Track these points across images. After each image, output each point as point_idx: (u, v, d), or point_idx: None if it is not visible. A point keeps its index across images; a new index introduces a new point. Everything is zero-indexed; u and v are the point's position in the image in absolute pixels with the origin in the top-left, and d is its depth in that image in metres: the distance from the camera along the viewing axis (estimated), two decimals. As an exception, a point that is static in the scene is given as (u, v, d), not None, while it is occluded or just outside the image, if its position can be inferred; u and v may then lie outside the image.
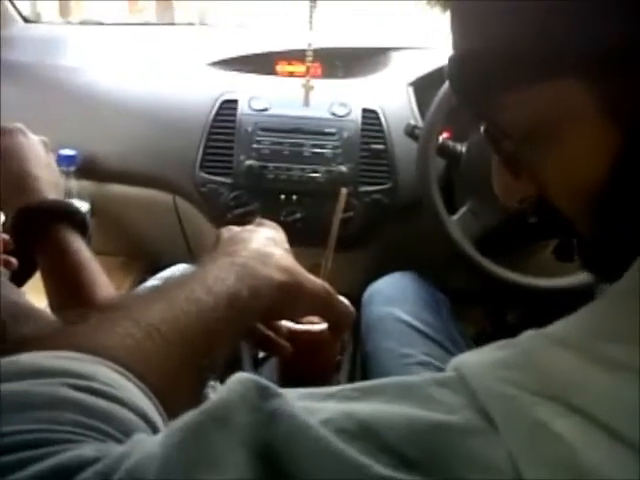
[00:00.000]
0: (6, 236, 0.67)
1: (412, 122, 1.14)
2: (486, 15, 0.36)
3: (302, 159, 1.22)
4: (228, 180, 1.22)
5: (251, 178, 1.21)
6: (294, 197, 1.22)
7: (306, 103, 1.27)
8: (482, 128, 0.43)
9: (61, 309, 0.63)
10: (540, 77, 0.34)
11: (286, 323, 0.62)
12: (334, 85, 1.33)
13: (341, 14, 1.64)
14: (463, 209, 1.10)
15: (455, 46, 0.40)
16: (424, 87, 1.26)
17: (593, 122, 0.33)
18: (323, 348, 0.66)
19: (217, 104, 1.26)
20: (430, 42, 1.39)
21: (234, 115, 1.25)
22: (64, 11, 1.77)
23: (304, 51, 1.23)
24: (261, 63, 1.37)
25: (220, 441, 0.26)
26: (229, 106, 1.26)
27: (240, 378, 0.30)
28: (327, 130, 1.24)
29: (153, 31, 1.58)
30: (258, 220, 0.61)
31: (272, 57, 1.38)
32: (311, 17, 1.21)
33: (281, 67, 1.39)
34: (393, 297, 1.08)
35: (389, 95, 1.30)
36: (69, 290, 0.65)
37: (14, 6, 1.46)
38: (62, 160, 1.13)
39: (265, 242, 0.55)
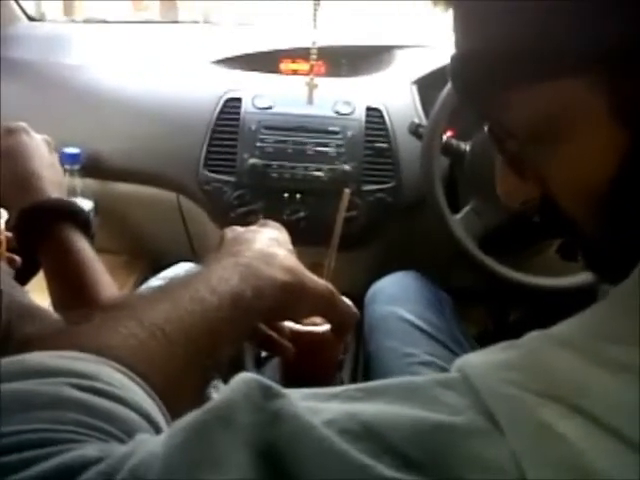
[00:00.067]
0: (9, 234, 0.68)
1: (416, 121, 1.14)
2: (487, 15, 0.36)
3: (306, 157, 1.22)
4: (232, 178, 1.22)
5: (254, 176, 1.21)
6: (297, 196, 1.22)
7: (310, 101, 1.27)
8: (486, 127, 0.43)
9: (64, 308, 0.64)
10: (541, 77, 0.34)
11: (289, 324, 0.62)
12: (338, 83, 1.33)
13: (341, 14, 1.63)
14: (467, 208, 1.09)
15: (457, 45, 0.40)
16: (428, 85, 1.26)
17: (599, 122, 0.33)
18: (325, 349, 0.66)
19: (221, 102, 1.26)
20: (434, 40, 1.39)
21: (238, 113, 1.25)
22: (68, 10, 1.78)
23: (308, 49, 1.23)
24: (265, 61, 1.37)
25: (223, 441, 0.26)
26: (233, 104, 1.26)
27: (244, 378, 0.30)
28: (331, 128, 1.23)
29: (157, 29, 1.58)
30: (262, 220, 0.61)
31: (276, 55, 1.38)
32: (315, 15, 1.20)
33: (285, 65, 1.39)
34: (396, 296, 1.08)
35: (393, 93, 1.29)
36: (72, 290, 0.65)
37: (19, 5, 1.46)
38: (66, 158, 1.13)
39: (269, 242, 0.55)
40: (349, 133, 1.23)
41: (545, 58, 0.33)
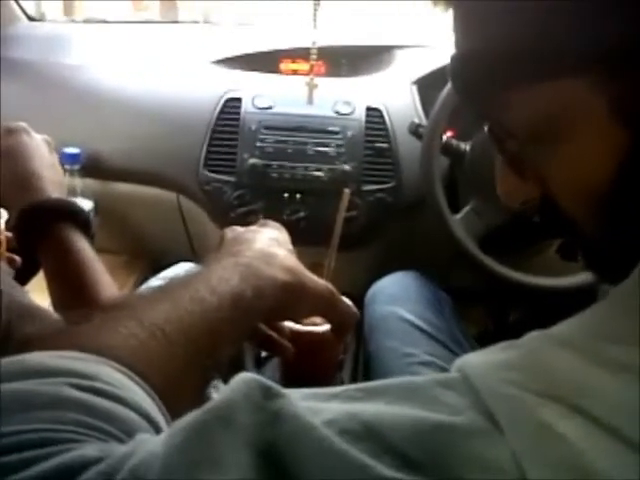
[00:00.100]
0: (9, 234, 0.68)
1: (416, 121, 1.14)
2: (487, 15, 0.36)
3: (306, 157, 1.22)
4: (232, 178, 1.22)
5: (254, 176, 1.21)
6: (297, 196, 1.22)
7: (310, 101, 1.27)
8: (486, 127, 0.43)
9: (64, 309, 0.63)
10: (541, 77, 0.34)
11: (289, 324, 0.62)
12: (338, 83, 1.33)
13: (341, 14, 1.63)
14: (467, 208, 1.09)
15: (457, 45, 0.40)
16: (428, 85, 1.26)
17: (599, 122, 0.33)
18: (325, 349, 0.66)
19: (221, 102, 1.26)
20: (434, 41, 1.39)
21: (238, 113, 1.25)
22: (68, 10, 1.78)
23: (308, 49, 1.23)
24: (265, 61, 1.37)
25: (223, 441, 0.26)
26: (233, 104, 1.26)
27: (244, 378, 0.30)
28: (331, 128, 1.23)
29: (157, 29, 1.58)
30: (262, 220, 0.61)
31: (276, 55, 1.38)
32: (315, 15, 1.20)
33: (285, 65, 1.39)
34: (396, 296, 1.08)
35: (393, 93, 1.29)
36: (72, 290, 0.65)
37: (19, 5, 1.46)
38: (66, 158, 1.13)
39: (269, 242, 0.55)
40: (349, 133, 1.23)
41: (545, 58, 0.33)
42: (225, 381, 0.31)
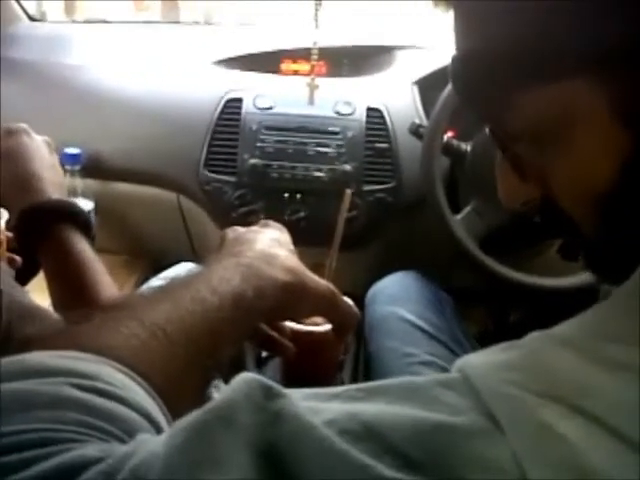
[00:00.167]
0: (10, 234, 0.68)
1: (417, 121, 1.14)
2: (487, 15, 0.36)
3: (306, 158, 1.22)
4: (232, 179, 1.22)
5: (255, 177, 1.21)
6: (298, 196, 1.22)
7: (311, 102, 1.27)
8: (488, 128, 0.43)
9: (64, 310, 0.63)
10: (542, 77, 0.34)
11: (290, 324, 0.62)
12: (339, 84, 1.33)
13: (342, 14, 1.63)
14: (467, 208, 1.09)
15: (458, 46, 0.40)
16: (429, 86, 1.26)
17: (600, 123, 0.33)
18: (326, 349, 0.66)
19: (222, 102, 1.26)
20: (435, 41, 1.39)
21: (239, 114, 1.25)
22: (69, 10, 1.78)
23: (309, 50, 1.23)
24: (266, 62, 1.37)
25: (224, 441, 0.26)
26: (234, 105, 1.26)
27: (245, 378, 0.30)
28: (331, 129, 1.23)
29: (158, 29, 1.58)
30: (263, 221, 0.61)
31: (277, 56, 1.38)
32: (316, 16, 1.20)
33: (286, 66, 1.39)
34: (396, 296, 1.08)
35: (394, 94, 1.29)
36: (72, 291, 0.65)
37: (20, 5, 1.46)
38: (67, 158, 1.13)
39: (270, 243, 0.55)
40: (350, 133, 1.23)
41: (545, 58, 0.33)
42: (226, 381, 0.30)
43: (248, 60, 1.37)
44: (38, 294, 0.66)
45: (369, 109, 1.26)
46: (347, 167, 1.20)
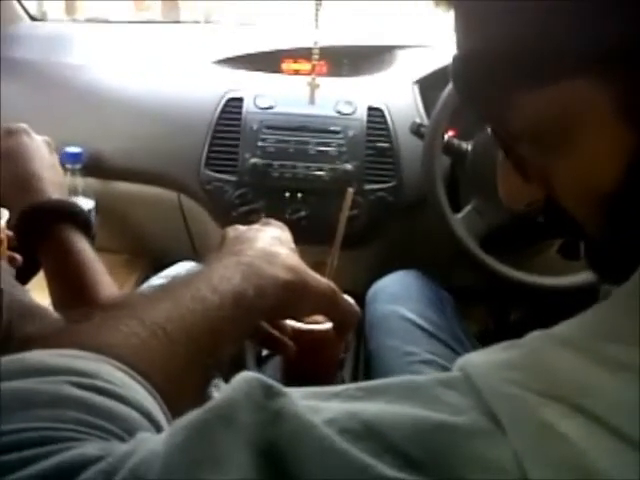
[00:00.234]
0: (10, 233, 0.68)
1: (418, 120, 1.14)
2: (487, 15, 0.36)
3: (307, 157, 1.22)
4: (233, 178, 1.22)
5: (256, 176, 1.21)
6: (299, 195, 1.22)
7: (311, 101, 1.27)
8: (490, 128, 0.43)
9: (64, 309, 0.64)
10: (542, 77, 0.34)
11: (290, 322, 0.62)
12: (340, 83, 1.33)
13: (343, 14, 1.63)
14: (468, 207, 1.09)
15: (458, 46, 0.40)
16: (430, 85, 1.26)
17: (603, 123, 0.33)
18: (327, 347, 0.66)
19: (222, 102, 1.26)
20: (435, 40, 1.39)
21: (239, 113, 1.25)
22: (70, 9, 1.78)
23: (310, 49, 1.23)
24: (267, 61, 1.37)
25: (224, 440, 0.26)
26: (234, 104, 1.26)
27: (245, 377, 0.30)
28: (332, 128, 1.23)
29: (159, 29, 1.58)
30: (264, 219, 0.61)
31: (278, 55, 1.38)
32: (317, 15, 1.20)
33: (287, 65, 1.39)
34: (397, 295, 1.08)
35: (395, 93, 1.29)
36: (72, 291, 0.65)
37: (21, 4, 1.46)
38: (67, 158, 1.13)
39: (271, 241, 0.55)
40: (350, 133, 1.23)
41: (545, 58, 0.33)
42: (226, 380, 0.30)
43: (249, 60, 1.37)
44: (38, 293, 0.66)
45: (370, 108, 1.26)
46: (348, 166, 1.20)
